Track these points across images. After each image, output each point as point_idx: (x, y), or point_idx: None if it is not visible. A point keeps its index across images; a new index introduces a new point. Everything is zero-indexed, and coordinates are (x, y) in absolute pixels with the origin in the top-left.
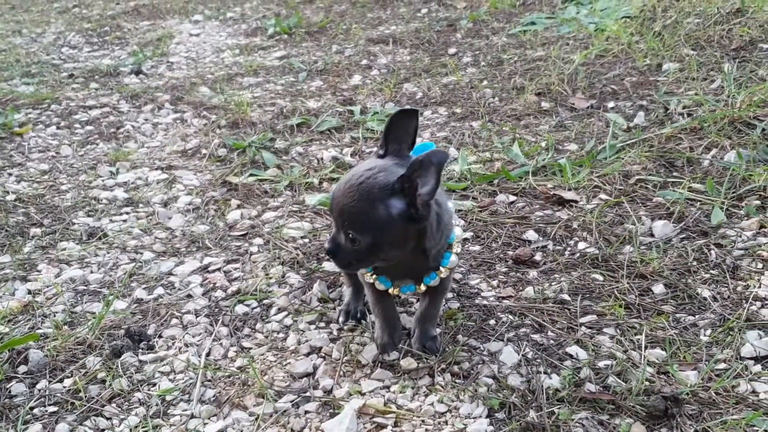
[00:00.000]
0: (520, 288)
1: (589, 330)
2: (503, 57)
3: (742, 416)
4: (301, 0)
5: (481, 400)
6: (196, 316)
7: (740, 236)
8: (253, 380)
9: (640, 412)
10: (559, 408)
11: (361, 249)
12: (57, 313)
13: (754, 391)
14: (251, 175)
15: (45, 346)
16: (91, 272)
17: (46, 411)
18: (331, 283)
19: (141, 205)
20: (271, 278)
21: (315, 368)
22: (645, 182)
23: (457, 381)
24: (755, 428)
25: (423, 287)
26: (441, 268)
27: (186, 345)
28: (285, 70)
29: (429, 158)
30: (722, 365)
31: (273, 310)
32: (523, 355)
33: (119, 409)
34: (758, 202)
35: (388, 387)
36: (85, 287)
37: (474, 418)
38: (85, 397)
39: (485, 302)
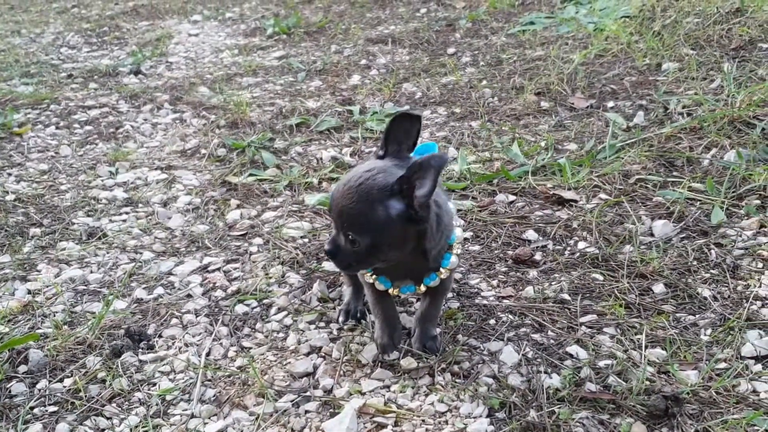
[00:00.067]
0: (520, 288)
1: (590, 329)
2: (502, 57)
3: (742, 416)
4: (300, 0)
5: (481, 399)
6: (196, 316)
7: (740, 236)
8: (253, 380)
9: (641, 411)
10: (559, 407)
11: (361, 250)
12: (57, 312)
13: (754, 391)
14: (251, 175)
15: (45, 345)
16: (91, 272)
17: (47, 411)
18: (331, 282)
19: (140, 205)
20: (270, 278)
21: (315, 368)
22: (645, 182)
23: (457, 381)
24: (756, 428)
25: (423, 288)
26: (441, 269)
27: (186, 345)
28: (284, 70)
29: (429, 161)
30: (723, 365)
31: (273, 310)
32: (523, 354)
33: (119, 408)
34: (758, 201)
35: (388, 386)
36: (84, 287)
37: (474, 417)
38: (85, 396)
39: (485, 302)
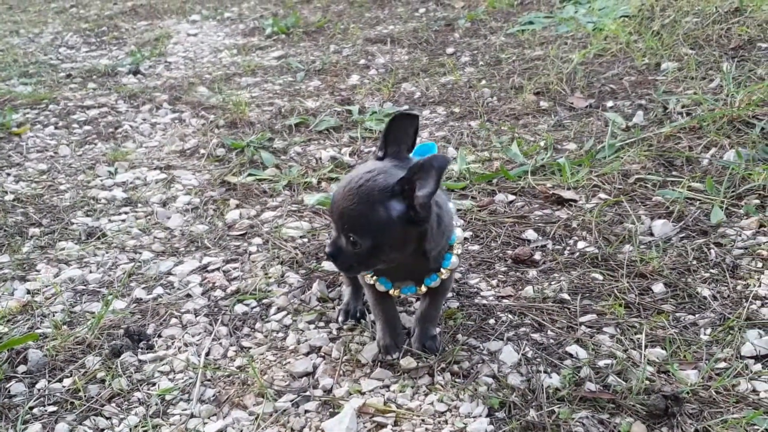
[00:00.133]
0: (520, 287)
1: (589, 329)
2: (501, 56)
3: (742, 415)
4: (299, 0)
5: (481, 399)
6: (196, 316)
7: (740, 235)
8: (252, 380)
9: (641, 411)
10: (559, 407)
11: (362, 252)
12: (56, 312)
13: (754, 390)
14: (250, 174)
15: (44, 345)
16: (90, 272)
17: (46, 411)
18: (331, 282)
19: (140, 205)
20: (270, 278)
21: (315, 367)
22: (644, 181)
23: (456, 380)
24: (756, 427)
25: (424, 288)
26: (442, 270)
27: (185, 344)
28: (283, 69)
29: (431, 162)
30: (722, 364)
31: (272, 310)
32: (522, 354)
33: (119, 408)
34: (758, 201)
35: (387, 386)
36: (84, 287)
37: (474, 417)
38: (85, 396)
39: (485, 301)
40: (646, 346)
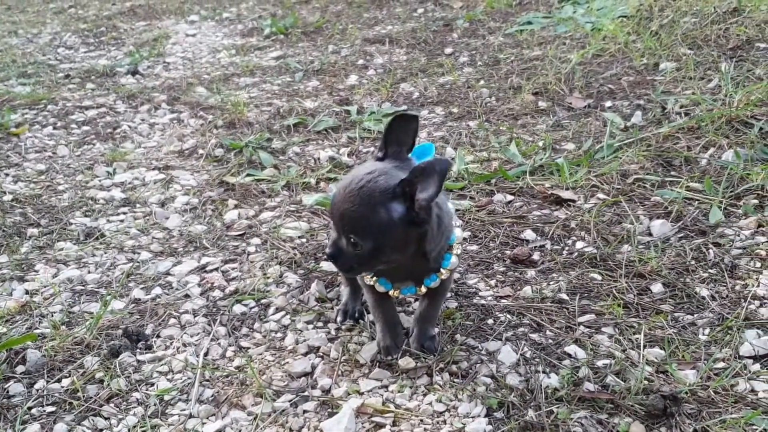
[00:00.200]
0: (518, 287)
1: (588, 329)
2: (500, 56)
3: (741, 415)
4: (297, 0)
5: (479, 399)
6: (194, 316)
7: (738, 235)
8: (251, 380)
9: (639, 411)
10: (557, 407)
11: (363, 253)
12: (55, 313)
13: (753, 390)
14: (248, 175)
15: (43, 346)
16: (89, 272)
17: (44, 411)
18: (329, 282)
19: (138, 205)
20: (268, 278)
21: (313, 368)
22: (643, 181)
23: (455, 380)
24: (754, 427)
25: (423, 289)
26: (441, 270)
27: (184, 345)
28: (281, 70)
29: (432, 165)
30: (721, 364)
31: (271, 310)
32: (521, 354)
33: (117, 409)
34: (756, 201)
35: (386, 386)
36: (82, 287)
37: (472, 417)
38: (83, 397)
39: (483, 302)
40: (644, 346)
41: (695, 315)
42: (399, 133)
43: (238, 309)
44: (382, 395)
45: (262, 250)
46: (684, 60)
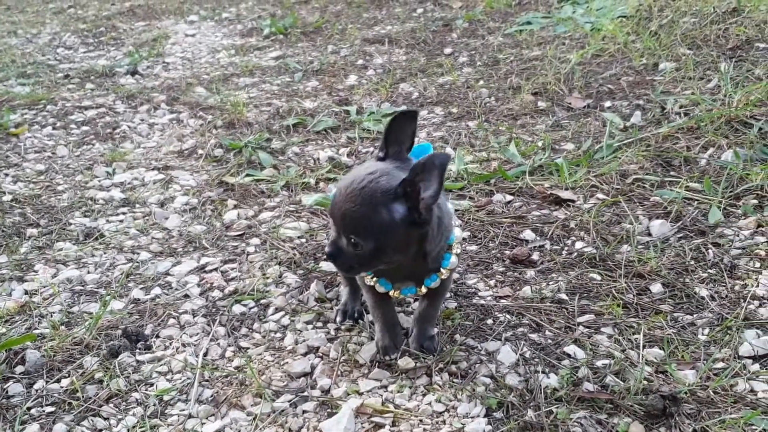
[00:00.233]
0: (518, 287)
1: (587, 329)
2: (499, 57)
3: (740, 415)
4: (297, 0)
5: (478, 399)
6: (194, 316)
7: (738, 235)
8: (250, 380)
9: (639, 411)
10: (557, 407)
11: (364, 253)
12: (54, 313)
13: (752, 390)
14: (248, 175)
15: (42, 346)
16: (88, 272)
17: (44, 411)
18: (328, 282)
19: (138, 206)
20: (268, 278)
21: (312, 368)
22: (642, 181)
23: (454, 380)
24: (754, 427)
25: (423, 289)
26: (441, 270)
27: (183, 345)
28: (281, 70)
29: (432, 161)
30: (720, 364)
31: (270, 310)
32: (520, 354)
33: (117, 409)
34: (755, 201)
35: (385, 386)
36: (81, 287)
37: (472, 417)
38: (83, 397)
39: (483, 302)
40: (644, 346)
41: (694, 315)
42: (399, 132)
43: (237, 309)
44: (381, 395)
45: (261, 251)
46: (683, 60)
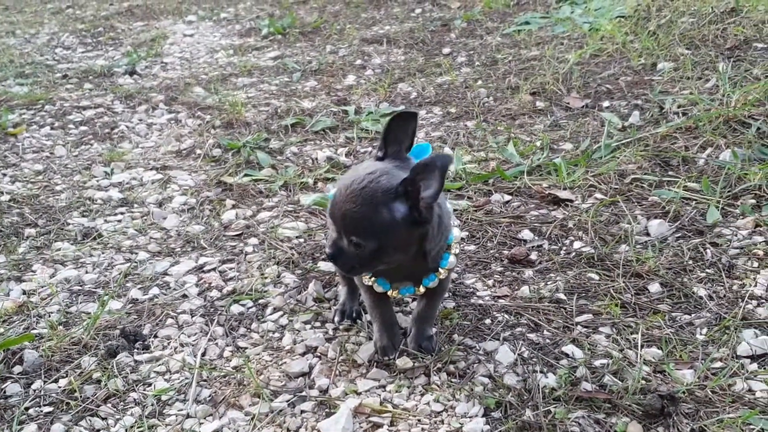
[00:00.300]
0: (516, 287)
1: (585, 329)
2: (498, 57)
3: (738, 415)
4: (295, 0)
5: (477, 399)
6: (192, 316)
7: (736, 235)
8: (248, 380)
9: (637, 410)
10: (555, 407)
11: (365, 254)
12: (52, 313)
13: (750, 390)
14: (246, 175)
15: (40, 346)
16: (86, 272)
17: (42, 411)
18: (327, 282)
19: (136, 206)
20: (266, 278)
21: (311, 368)
22: (640, 181)
23: (453, 380)
24: (752, 427)
25: (422, 289)
26: (440, 269)
27: (181, 345)
28: (279, 70)
29: (433, 161)
30: (718, 364)
31: (268, 310)
32: (519, 354)
33: (115, 409)
34: (753, 200)
35: (384, 386)
36: (80, 287)
37: (470, 417)
38: (81, 397)
39: (481, 301)
40: (642, 346)
41: (693, 315)
42: (398, 132)
43: (235, 309)
44: (379, 395)
45: (259, 250)
46: (682, 60)
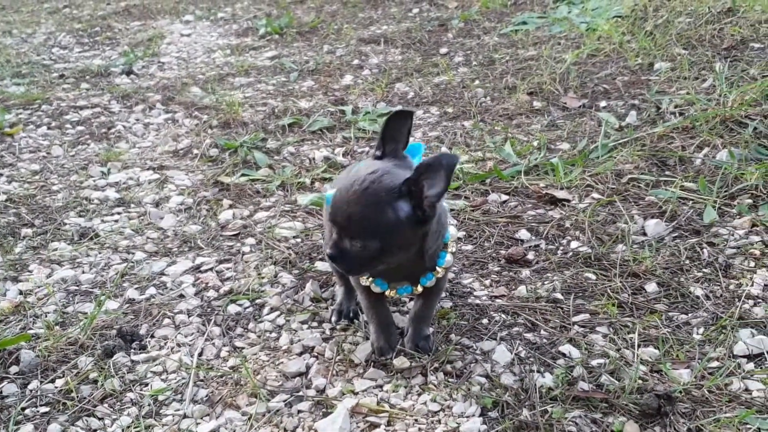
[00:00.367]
0: (513, 287)
1: (582, 329)
2: (495, 56)
3: (735, 414)
4: (292, 0)
5: (474, 398)
6: (189, 316)
7: (732, 235)
8: (245, 380)
9: (633, 410)
10: (552, 406)
11: (368, 254)
12: (48, 313)
13: (746, 389)
14: (243, 175)
15: (36, 346)
16: (83, 272)
17: (38, 411)
18: (324, 282)
19: (132, 206)
20: (263, 278)
21: (308, 368)
22: (637, 181)
23: (450, 380)
24: (748, 426)
25: (420, 288)
26: (437, 268)
27: (178, 345)
28: (276, 70)
29: (439, 161)
30: (715, 363)
31: (265, 310)
32: (516, 354)
33: (111, 409)
34: (750, 200)
35: (381, 386)
36: (76, 287)
37: (467, 416)
38: (77, 397)
39: (478, 301)
40: (638, 346)
41: (689, 314)
42: (395, 130)
43: (232, 309)
44: (376, 395)
45: (256, 250)
46: (678, 60)
